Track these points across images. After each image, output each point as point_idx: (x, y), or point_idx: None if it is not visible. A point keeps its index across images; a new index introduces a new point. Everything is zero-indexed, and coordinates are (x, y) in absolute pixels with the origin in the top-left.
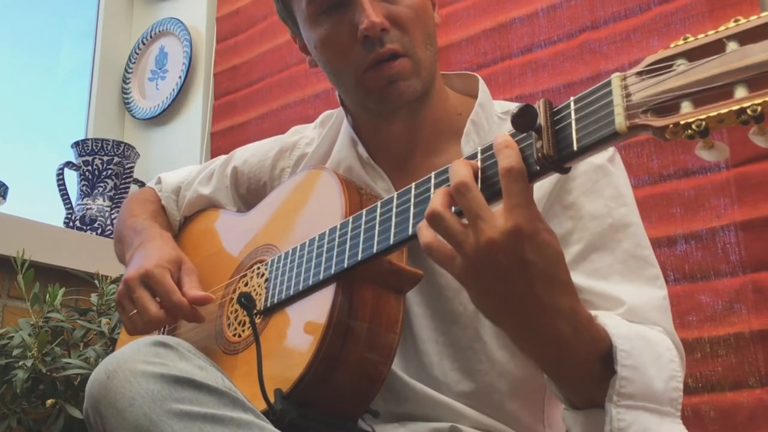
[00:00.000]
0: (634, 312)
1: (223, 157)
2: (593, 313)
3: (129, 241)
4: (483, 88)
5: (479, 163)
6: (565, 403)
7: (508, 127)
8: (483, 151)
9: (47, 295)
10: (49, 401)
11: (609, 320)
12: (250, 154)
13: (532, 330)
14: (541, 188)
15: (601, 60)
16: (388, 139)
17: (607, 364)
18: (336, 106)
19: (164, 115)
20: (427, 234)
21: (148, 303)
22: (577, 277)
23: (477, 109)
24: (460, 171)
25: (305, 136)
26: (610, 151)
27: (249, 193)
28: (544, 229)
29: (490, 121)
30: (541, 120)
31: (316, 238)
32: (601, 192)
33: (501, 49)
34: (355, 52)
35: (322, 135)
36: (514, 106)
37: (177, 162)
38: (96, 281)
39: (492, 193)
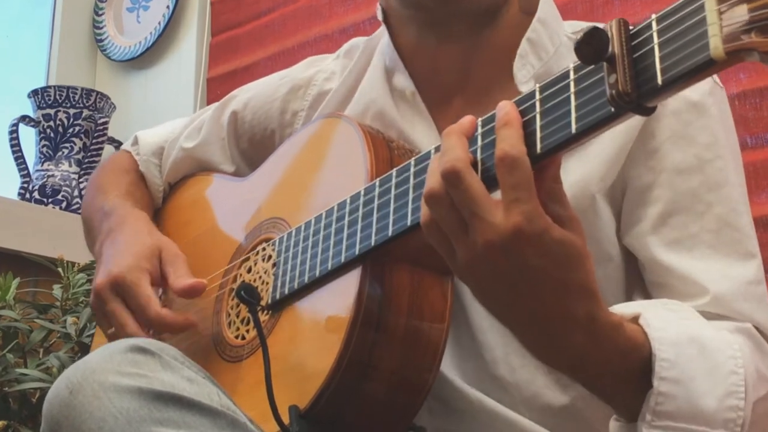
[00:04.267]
0: (720, 302)
1: (215, 104)
2: (638, 310)
3: (97, 227)
4: (546, 0)
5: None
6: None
7: None
8: (520, 102)
9: None
10: (0, 423)
11: (656, 321)
12: (253, 96)
13: (542, 338)
14: (627, 130)
15: None
16: (435, 63)
17: (646, 376)
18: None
19: (147, 56)
20: (426, 211)
21: (125, 318)
22: (655, 247)
23: (535, 26)
24: (454, 151)
25: (322, 69)
26: (709, 82)
27: (252, 146)
28: (551, 226)
29: (555, 41)
30: (615, 47)
31: (335, 209)
32: (692, 138)
33: None
34: None
35: (349, 68)
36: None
37: (164, 116)
38: (60, 269)
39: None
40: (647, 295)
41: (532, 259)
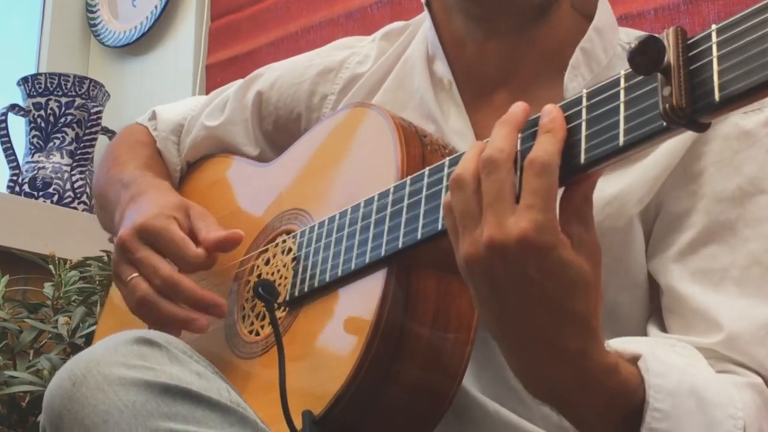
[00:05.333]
0: (734, 343)
1: (240, 81)
2: (639, 350)
3: (115, 198)
4: (604, 7)
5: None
6: None
7: None
8: (566, 107)
9: None
10: None
11: (657, 366)
12: (280, 75)
13: (527, 363)
14: (672, 152)
15: None
16: (479, 57)
17: (633, 422)
18: (375, 29)
19: (143, 42)
20: (449, 194)
21: (157, 262)
22: (679, 276)
23: (591, 35)
24: (501, 140)
25: (357, 51)
26: (766, 111)
27: (277, 129)
28: (561, 244)
29: (609, 52)
30: (671, 57)
31: (362, 205)
32: (739, 167)
33: None
34: None
35: (389, 52)
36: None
37: (160, 105)
38: (51, 266)
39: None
40: (661, 323)
41: (532, 272)
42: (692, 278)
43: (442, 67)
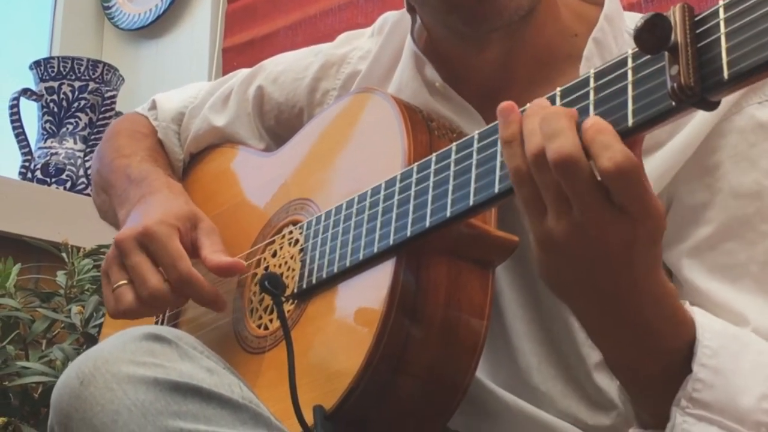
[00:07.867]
0: (761, 336)
1: (245, 72)
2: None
3: (122, 195)
4: None
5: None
6: (636, 421)
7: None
8: (572, 89)
9: None
10: (0, 420)
11: (699, 312)
12: (283, 70)
13: (613, 314)
14: (684, 148)
15: None
16: (475, 67)
17: (686, 362)
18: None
19: (158, 25)
20: (523, 167)
21: (148, 272)
22: (696, 271)
23: (602, 24)
24: (566, 135)
25: (358, 47)
26: None
27: (279, 125)
28: (664, 211)
29: (619, 40)
30: (678, 35)
31: (368, 194)
32: (756, 161)
33: None
34: None
35: (379, 45)
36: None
37: (176, 89)
38: (64, 254)
39: None
40: None
41: (639, 232)
42: (710, 274)
43: (431, 72)
